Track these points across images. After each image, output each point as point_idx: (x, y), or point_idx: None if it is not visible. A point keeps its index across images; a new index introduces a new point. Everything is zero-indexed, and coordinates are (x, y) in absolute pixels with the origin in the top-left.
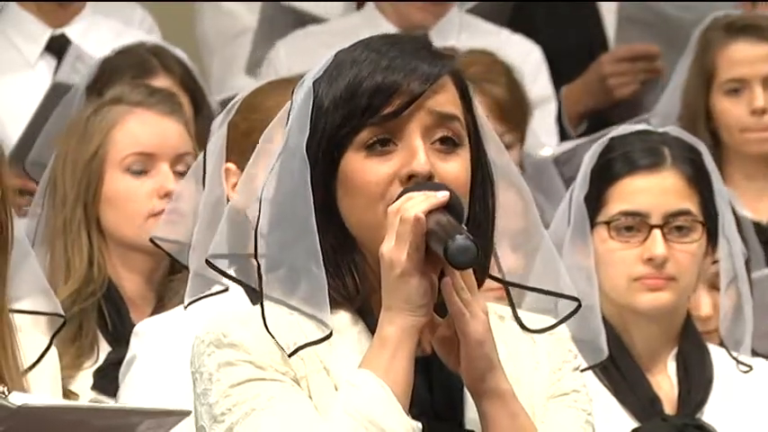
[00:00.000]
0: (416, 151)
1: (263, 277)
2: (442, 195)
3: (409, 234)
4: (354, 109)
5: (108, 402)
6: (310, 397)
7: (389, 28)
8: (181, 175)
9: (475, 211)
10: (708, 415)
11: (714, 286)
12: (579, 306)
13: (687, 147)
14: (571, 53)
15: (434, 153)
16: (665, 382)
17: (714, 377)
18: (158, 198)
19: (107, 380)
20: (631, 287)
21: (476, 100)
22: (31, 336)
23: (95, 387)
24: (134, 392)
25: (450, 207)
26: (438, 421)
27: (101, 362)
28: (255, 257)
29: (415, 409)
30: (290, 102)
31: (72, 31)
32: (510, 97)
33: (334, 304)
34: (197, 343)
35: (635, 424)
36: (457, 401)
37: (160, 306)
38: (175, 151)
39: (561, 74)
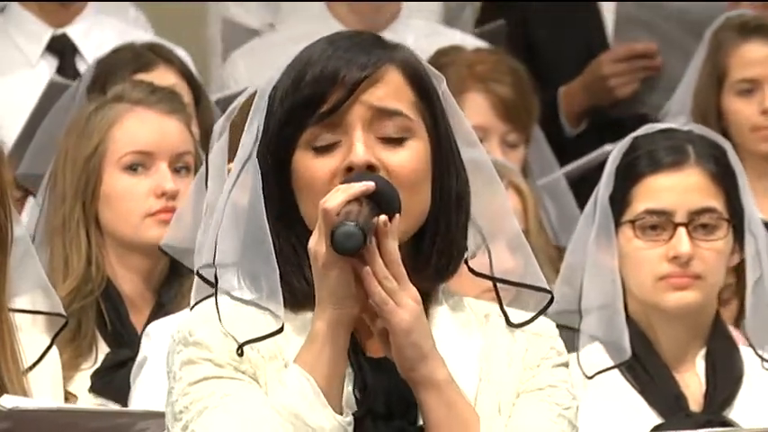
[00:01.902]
0: (354, 143)
1: (223, 278)
2: (361, 186)
3: (323, 226)
4: (297, 101)
5: (107, 405)
6: (267, 393)
7: (341, 29)
8: (179, 173)
9: (435, 199)
10: (736, 413)
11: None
12: (552, 299)
13: (712, 144)
14: (571, 53)
15: (380, 144)
16: (693, 380)
17: (744, 376)
18: (156, 197)
19: (104, 382)
20: (657, 286)
21: (440, 89)
22: (30, 335)
23: (93, 389)
24: (145, 394)
25: (377, 197)
26: (389, 420)
27: (99, 363)
28: (213, 260)
29: (364, 407)
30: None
31: (73, 30)
32: (515, 96)
33: (299, 304)
34: (170, 342)
35: (661, 421)
36: (411, 404)
37: (159, 307)
38: (175, 150)
39: (561, 74)
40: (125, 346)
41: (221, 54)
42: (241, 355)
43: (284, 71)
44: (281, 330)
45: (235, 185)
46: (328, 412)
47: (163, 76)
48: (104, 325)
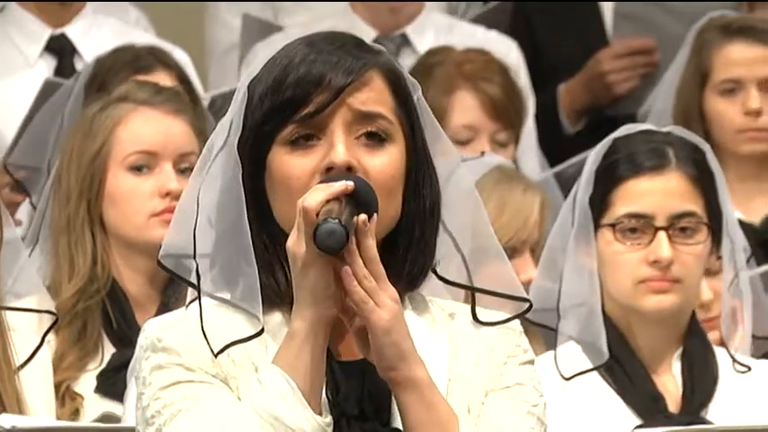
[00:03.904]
0: (335, 143)
1: (201, 276)
2: (340, 185)
3: (303, 225)
4: (278, 102)
5: (112, 406)
6: (239, 398)
7: (365, 29)
8: (184, 174)
9: (409, 207)
10: (712, 414)
11: (708, 272)
12: (530, 307)
13: (691, 147)
14: (572, 52)
15: (359, 147)
16: (671, 381)
17: (719, 377)
18: (160, 197)
19: (110, 383)
20: (637, 289)
21: (416, 96)
22: (26, 335)
23: (98, 390)
24: None
25: (356, 197)
26: (363, 421)
27: (105, 363)
28: (194, 257)
29: (337, 410)
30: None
31: (72, 30)
32: (504, 96)
33: (269, 304)
34: (138, 348)
35: (639, 422)
36: (384, 406)
37: (164, 307)
38: (179, 150)
39: (563, 73)
40: (131, 346)
41: (240, 49)
42: (216, 356)
43: (262, 71)
44: (261, 332)
45: (205, 179)
46: (308, 413)
47: (161, 80)
48: (110, 325)
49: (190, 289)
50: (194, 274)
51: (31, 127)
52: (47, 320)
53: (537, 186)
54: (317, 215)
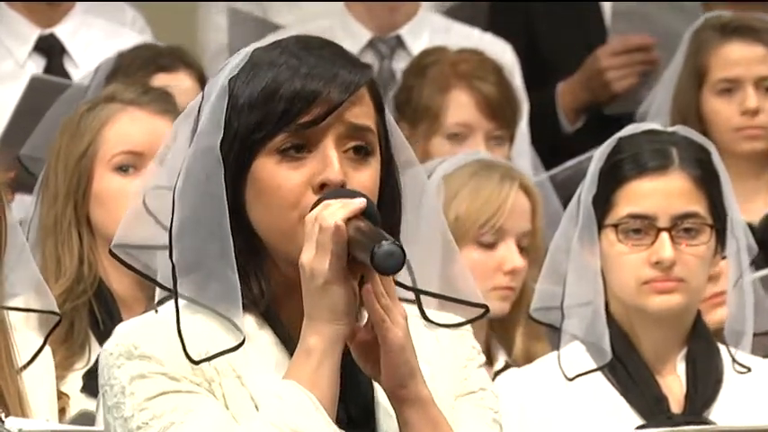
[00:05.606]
0: (330, 160)
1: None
2: (360, 202)
3: (330, 243)
4: (271, 113)
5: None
6: (226, 406)
7: (361, 29)
8: None
9: (383, 219)
10: (716, 414)
11: None
12: (486, 311)
13: (696, 147)
14: (572, 51)
15: (347, 161)
16: (675, 382)
17: (724, 377)
18: None
19: (96, 382)
20: (641, 290)
21: (387, 110)
22: (24, 334)
23: (85, 389)
24: None
25: (366, 214)
26: (352, 429)
27: (92, 363)
28: (170, 259)
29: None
30: (199, 97)
31: (61, 30)
32: (499, 95)
33: (242, 307)
34: (105, 356)
35: (642, 423)
36: (369, 413)
37: (151, 307)
38: None
39: (562, 72)
40: None
41: (229, 44)
42: (198, 364)
43: (243, 75)
44: (242, 344)
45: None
46: (332, 430)
47: (181, 80)
48: (97, 325)
49: (158, 288)
50: (170, 275)
51: (46, 119)
52: (36, 317)
53: (516, 173)
54: (345, 232)
